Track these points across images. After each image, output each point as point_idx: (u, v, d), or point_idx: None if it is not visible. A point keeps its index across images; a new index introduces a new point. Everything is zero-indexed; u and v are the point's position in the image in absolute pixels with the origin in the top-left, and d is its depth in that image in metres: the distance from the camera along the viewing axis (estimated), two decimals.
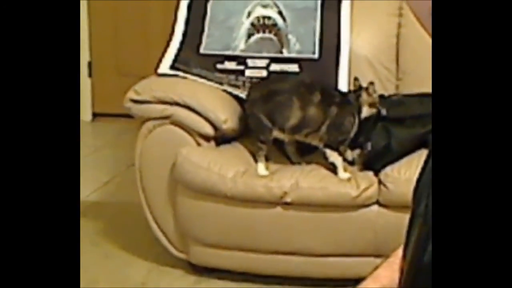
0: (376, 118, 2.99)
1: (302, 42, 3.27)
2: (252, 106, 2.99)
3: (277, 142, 3.03)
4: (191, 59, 3.24)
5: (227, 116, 3.01)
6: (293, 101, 2.93)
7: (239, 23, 3.31)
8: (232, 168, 2.93)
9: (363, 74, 3.17)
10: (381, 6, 3.40)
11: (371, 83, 2.99)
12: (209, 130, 3.01)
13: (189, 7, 3.35)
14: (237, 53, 3.27)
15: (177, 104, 3.01)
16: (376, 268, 1.12)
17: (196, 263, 3.13)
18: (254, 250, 3.01)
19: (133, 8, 4.95)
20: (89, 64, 5.07)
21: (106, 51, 5.05)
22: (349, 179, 2.89)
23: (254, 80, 3.19)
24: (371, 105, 2.98)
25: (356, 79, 3.06)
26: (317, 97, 2.94)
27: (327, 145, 2.95)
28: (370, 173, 2.93)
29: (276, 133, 2.97)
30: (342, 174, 2.91)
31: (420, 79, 3.15)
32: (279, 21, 3.31)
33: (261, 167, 2.94)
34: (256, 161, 2.97)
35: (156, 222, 3.13)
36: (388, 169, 2.88)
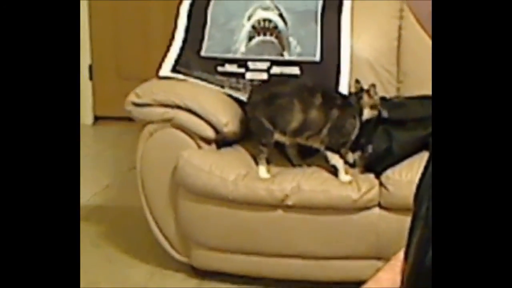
0: (377, 120, 2.99)
1: (303, 45, 3.27)
2: (253, 109, 2.99)
3: (278, 145, 3.03)
4: (192, 62, 3.24)
5: (228, 119, 3.01)
6: (295, 104, 2.93)
7: (240, 26, 3.31)
8: (233, 171, 2.93)
9: (364, 76, 3.17)
10: (381, 9, 3.40)
11: (372, 85, 2.99)
12: (210, 133, 3.01)
13: (189, 15, 3.35)
14: (238, 56, 3.27)
15: (178, 107, 3.01)
16: (377, 271, 1.12)
17: (198, 266, 3.13)
18: (255, 253, 3.01)
19: (133, 11, 4.95)
20: (90, 67, 5.07)
21: (107, 54, 5.05)
22: (350, 182, 2.89)
23: (255, 83, 3.19)
24: (372, 107, 2.98)
25: (357, 81, 3.06)
26: (318, 100, 2.94)
27: (328, 148, 2.95)
28: (371, 176, 2.93)
29: (278, 136, 2.97)
30: (344, 177, 2.90)
31: (421, 82, 3.15)
32: (280, 23, 3.31)
33: (263, 170, 2.94)
34: (257, 164, 2.97)
35: (158, 225, 3.13)
36: (389, 172, 2.88)
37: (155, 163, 3.09)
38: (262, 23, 3.31)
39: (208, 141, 3.03)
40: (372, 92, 2.97)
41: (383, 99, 3.08)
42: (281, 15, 3.32)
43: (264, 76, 3.23)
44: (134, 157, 3.14)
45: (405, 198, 2.66)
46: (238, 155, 3.06)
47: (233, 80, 3.21)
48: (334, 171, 2.93)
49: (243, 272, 3.08)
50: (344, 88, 3.19)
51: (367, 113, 2.98)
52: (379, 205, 2.89)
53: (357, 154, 2.99)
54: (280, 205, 2.91)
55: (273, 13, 3.32)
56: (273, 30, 3.30)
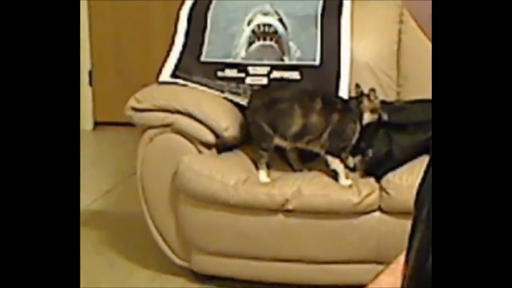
0: (377, 124, 2.99)
1: (303, 49, 3.27)
2: (253, 114, 2.99)
3: (279, 150, 3.03)
4: (192, 67, 3.24)
5: (228, 123, 3.01)
6: (295, 108, 2.93)
7: (240, 31, 3.31)
8: (233, 175, 2.93)
9: (364, 80, 3.17)
10: (381, 13, 3.41)
11: (372, 89, 2.99)
12: (210, 138, 3.01)
13: (189, 19, 3.35)
14: (238, 60, 3.27)
15: (178, 112, 3.01)
16: (378, 274, 1.12)
17: (198, 271, 3.13)
18: (256, 257, 3.01)
19: (134, 17, 4.96)
20: (90, 73, 5.07)
21: (107, 59, 5.05)
22: (350, 186, 2.89)
23: (255, 87, 3.19)
24: (372, 111, 2.98)
25: (357, 85, 3.06)
26: (318, 104, 2.94)
27: (328, 152, 2.95)
28: (372, 180, 2.93)
29: (278, 141, 2.97)
30: (344, 181, 2.90)
31: (421, 86, 3.15)
32: (280, 28, 3.31)
33: (263, 175, 2.94)
34: (257, 168, 2.97)
35: (158, 230, 3.13)
36: (389, 176, 2.88)
37: (156, 168, 3.09)
38: (262, 28, 3.31)
39: (208, 146, 3.03)
40: (372, 96, 2.97)
41: (383, 102, 3.08)
42: (281, 20, 3.32)
43: (264, 81, 3.23)
44: (134, 162, 3.14)
45: (405, 202, 2.66)
46: (238, 160, 3.06)
47: (233, 85, 3.21)
48: (334, 175, 2.93)
49: (244, 276, 3.07)
50: (344, 92, 3.19)
51: (367, 117, 2.98)
52: (380, 209, 2.89)
53: (358, 158, 2.99)
54: (280, 209, 2.91)
55: (273, 18, 3.32)
56: (273, 34, 3.31)
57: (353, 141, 2.96)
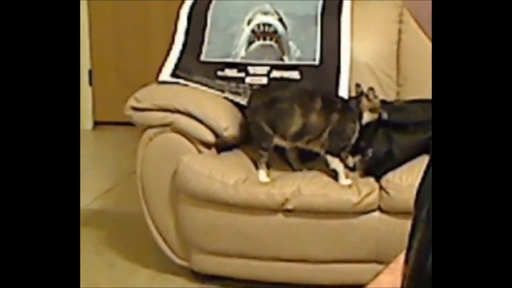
0: (377, 124, 2.99)
1: (302, 49, 3.27)
2: (253, 113, 2.99)
3: (278, 149, 3.03)
4: (192, 66, 3.24)
5: (228, 123, 3.01)
6: (295, 108, 2.93)
7: (240, 30, 3.31)
8: (233, 175, 2.93)
9: (364, 80, 3.17)
10: (381, 13, 3.41)
11: (371, 89, 2.99)
12: (210, 137, 3.01)
13: (189, 18, 3.35)
14: (238, 60, 3.27)
15: (178, 111, 3.01)
16: (377, 274, 1.12)
17: (198, 270, 3.13)
18: (256, 257, 3.01)
19: (134, 16, 4.96)
20: (90, 72, 5.07)
21: (107, 59, 5.05)
22: (350, 186, 2.89)
23: (255, 87, 3.19)
24: (371, 110, 2.98)
25: (357, 85, 3.06)
26: (318, 104, 2.94)
27: (328, 152, 2.95)
28: (371, 179, 2.93)
29: (278, 140, 2.97)
30: (344, 181, 2.90)
31: (421, 85, 3.15)
32: (280, 28, 3.31)
33: (263, 174, 2.94)
34: (257, 168, 2.97)
35: (158, 230, 3.13)
36: (389, 175, 2.88)
37: (155, 167, 3.09)
38: (261, 28, 3.31)
39: (208, 146, 3.03)
40: (371, 96, 2.97)
41: (383, 102, 3.08)
42: (280, 20, 3.32)
43: (264, 80, 3.23)
44: (134, 162, 3.14)
45: (405, 201, 2.67)
46: (238, 160, 3.06)
47: (233, 84, 3.21)
48: (334, 175, 2.93)
49: (243, 276, 3.07)
50: (344, 92, 3.19)
51: (366, 117, 2.98)
52: (380, 209, 2.89)
53: (357, 158, 2.99)
54: (280, 209, 2.91)
55: (273, 18, 3.32)
56: (273, 34, 3.31)
57: (353, 140, 2.96)
